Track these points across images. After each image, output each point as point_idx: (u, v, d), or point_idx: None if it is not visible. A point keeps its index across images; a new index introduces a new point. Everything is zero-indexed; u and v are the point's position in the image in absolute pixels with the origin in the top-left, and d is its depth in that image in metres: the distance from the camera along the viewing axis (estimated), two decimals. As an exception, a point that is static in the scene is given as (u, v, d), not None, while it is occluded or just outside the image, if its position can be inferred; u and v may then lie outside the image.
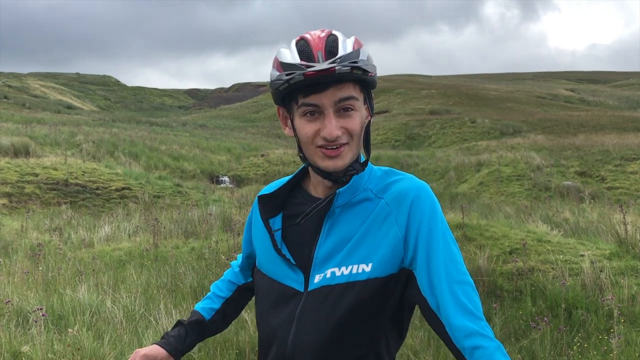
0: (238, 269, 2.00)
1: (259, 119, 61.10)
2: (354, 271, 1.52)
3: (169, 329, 1.96)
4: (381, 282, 1.51)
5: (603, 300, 6.04)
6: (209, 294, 2.01)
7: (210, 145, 31.27)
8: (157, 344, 1.79)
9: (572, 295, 6.34)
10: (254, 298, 1.86)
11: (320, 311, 1.53)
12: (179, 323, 1.89)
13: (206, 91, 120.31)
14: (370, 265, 1.51)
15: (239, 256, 2.02)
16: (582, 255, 7.42)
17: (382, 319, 1.54)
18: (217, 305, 1.96)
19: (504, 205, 15.27)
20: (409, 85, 65.61)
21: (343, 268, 1.54)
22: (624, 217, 8.21)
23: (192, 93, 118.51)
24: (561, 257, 7.44)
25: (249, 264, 1.93)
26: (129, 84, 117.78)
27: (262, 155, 28.90)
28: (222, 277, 2.05)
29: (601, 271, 6.86)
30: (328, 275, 1.55)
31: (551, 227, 9.69)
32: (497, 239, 8.37)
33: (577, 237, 8.92)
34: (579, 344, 5.31)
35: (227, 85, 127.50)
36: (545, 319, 5.65)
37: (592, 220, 10.79)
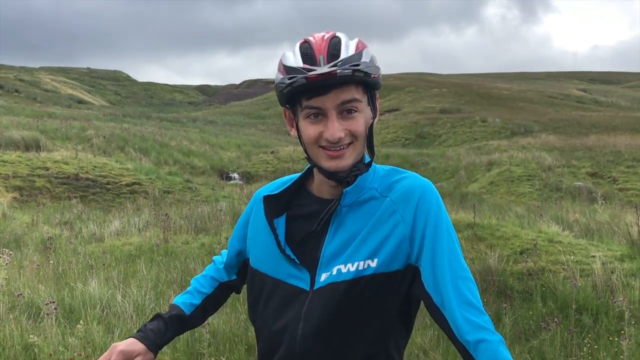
0: (222, 265, 1.96)
1: (269, 116, 61.13)
2: (360, 267, 1.53)
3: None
4: (387, 277, 1.53)
5: (614, 302, 6.00)
6: (189, 288, 1.95)
7: (220, 142, 31.34)
8: (134, 337, 1.70)
9: (583, 297, 6.31)
10: (246, 297, 1.82)
11: (328, 308, 1.53)
12: (157, 316, 1.81)
13: (216, 87, 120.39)
14: (375, 260, 1.53)
15: (224, 252, 1.98)
16: (594, 257, 7.37)
17: (388, 315, 1.56)
18: (197, 300, 1.90)
19: (514, 205, 15.22)
20: (420, 83, 65.46)
21: (349, 265, 1.54)
22: (638, 219, 8.15)
23: (202, 89, 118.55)
24: (572, 257, 7.40)
25: (238, 262, 1.91)
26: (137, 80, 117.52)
27: (272, 152, 28.94)
28: (203, 272, 2.00)
29: (612, 272, 6.82)
30: (334, 273, 1.55)
31: (562, 227, 9.64)
32: (507, 238, 8.34)
33: (588, 238, 8.87)
34: (589, 345, 5.28)
35: (233, 82, 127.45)
36: (556, 319, 5.61)
37: (603, 221, 10.74)
